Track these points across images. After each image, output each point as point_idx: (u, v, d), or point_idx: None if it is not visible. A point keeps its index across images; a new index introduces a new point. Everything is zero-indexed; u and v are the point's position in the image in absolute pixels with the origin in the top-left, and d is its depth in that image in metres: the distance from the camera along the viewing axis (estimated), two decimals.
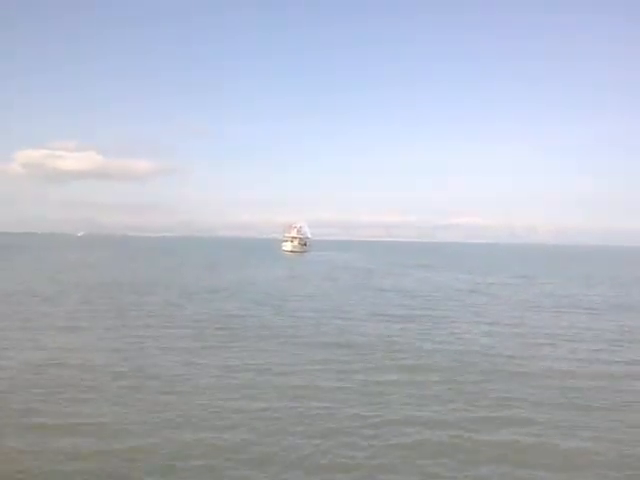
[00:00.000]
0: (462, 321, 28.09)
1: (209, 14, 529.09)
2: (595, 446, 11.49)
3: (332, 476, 10.01)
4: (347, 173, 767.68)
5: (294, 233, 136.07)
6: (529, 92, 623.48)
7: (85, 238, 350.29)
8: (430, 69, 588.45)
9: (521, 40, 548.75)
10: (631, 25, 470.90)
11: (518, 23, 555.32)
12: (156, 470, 10.13)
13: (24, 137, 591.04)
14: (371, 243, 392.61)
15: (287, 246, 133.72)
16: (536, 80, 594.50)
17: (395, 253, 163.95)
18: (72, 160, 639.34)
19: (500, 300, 38.35)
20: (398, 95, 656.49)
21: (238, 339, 22.27)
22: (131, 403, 13.83)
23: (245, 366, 17.79)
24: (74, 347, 20.17)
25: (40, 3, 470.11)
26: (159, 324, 25.40)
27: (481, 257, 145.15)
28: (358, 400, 14.32)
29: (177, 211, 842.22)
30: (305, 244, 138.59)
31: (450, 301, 36.64)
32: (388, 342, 22.17)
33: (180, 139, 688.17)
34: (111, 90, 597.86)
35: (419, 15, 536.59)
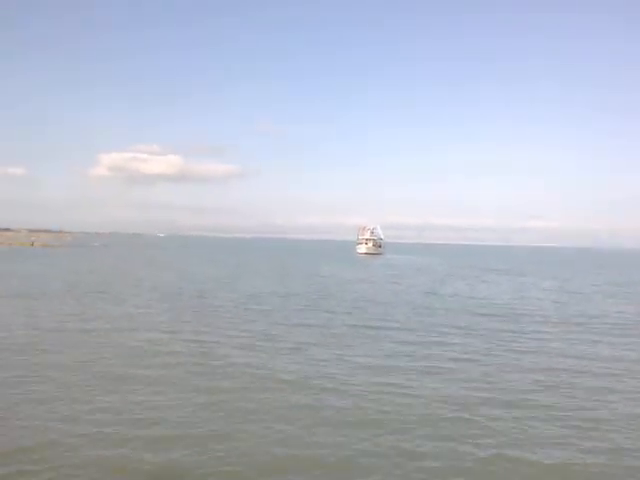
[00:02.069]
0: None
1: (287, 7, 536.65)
2: None
3: None
4: (418, 173, 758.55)
5: (368, 235, 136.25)
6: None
7: (166, 239, 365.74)
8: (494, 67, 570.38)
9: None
10: None
11: None
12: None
13: (109, 140, 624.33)
14: (445, 246, 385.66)
15: (361, 248, 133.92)
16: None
17: (471, 256, 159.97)
18: (154, 163, 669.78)
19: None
20: (465, 93, 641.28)
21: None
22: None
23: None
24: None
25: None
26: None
27: (568, 262, 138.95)
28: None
29: (250, 213, 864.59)
30: (380, 246, 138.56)
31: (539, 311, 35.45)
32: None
33: (256, 142, 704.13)
34: (192, 94, 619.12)
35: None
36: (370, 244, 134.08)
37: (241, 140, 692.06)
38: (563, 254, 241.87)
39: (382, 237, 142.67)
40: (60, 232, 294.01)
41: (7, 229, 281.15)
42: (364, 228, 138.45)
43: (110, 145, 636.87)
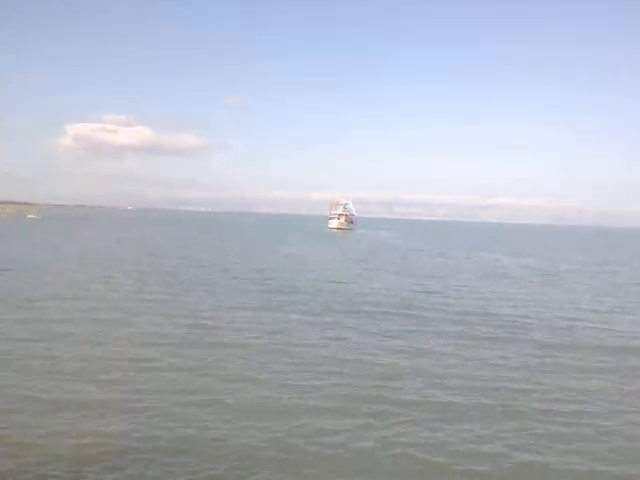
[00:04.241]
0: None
1: None
2: None
3: None
4: (386, 151, 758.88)
5: (340, 210, 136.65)
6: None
7: (133, 212, 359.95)
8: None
9: None
10: None
11: None
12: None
13: (75, 110, 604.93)
14: (412, 222, 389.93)
15: (334, 223, 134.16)
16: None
17: (440, 233, 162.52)
18: (123, 134, 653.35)
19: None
20: (444, 70, 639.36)
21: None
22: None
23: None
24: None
25: None
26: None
27: (535, 240, 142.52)
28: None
29: (217, 187, 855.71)
30: (352, 222, 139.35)
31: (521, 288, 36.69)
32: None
33: (226, 115, 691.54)
34: (160, 63, 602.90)
35: None
36: (342, 219, 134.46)
37: (211, 113, 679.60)
38: (535, 231, 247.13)
39: (354, 212, 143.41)
40: (28, 204, 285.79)
41: None
42: (337, 203, 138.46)
43: (77, 115, 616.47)
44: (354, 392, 13.01)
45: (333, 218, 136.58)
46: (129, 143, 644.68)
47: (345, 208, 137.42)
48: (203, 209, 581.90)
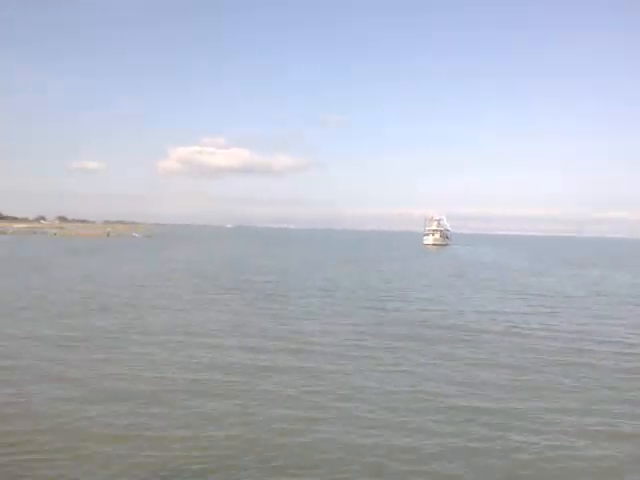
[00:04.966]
0: None
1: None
2: None
3: None
4: (484, 166, 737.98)
5: (434, 226, 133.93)
6: None
7: (233, 230, 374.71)
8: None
9: None
10: None
11: None
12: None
13: (179, 134, 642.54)
14: (511, 237, 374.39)
15: (428, 239, 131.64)
16: None
17: (541, 250, 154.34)
18: (221, 156, 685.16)
19: None
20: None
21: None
22: None
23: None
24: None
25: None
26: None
27: None
28: None
29: (311, 204, 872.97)
30: (447, 237, 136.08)
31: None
32: None
33: (320, 132, 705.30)
34: (254, 86, 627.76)
35: None
36: (437, 235, 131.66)
37: (305, 131, 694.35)
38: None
39: (449, 228, 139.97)
40: (133, 223, 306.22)
41: (84, 220, 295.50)
42: (431, 219, 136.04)
43: (178, 139, 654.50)
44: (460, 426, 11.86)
45: (428, 234, 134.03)
46: (227, 164, 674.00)
47: (439, 224, 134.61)
48: (297, 226, 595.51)
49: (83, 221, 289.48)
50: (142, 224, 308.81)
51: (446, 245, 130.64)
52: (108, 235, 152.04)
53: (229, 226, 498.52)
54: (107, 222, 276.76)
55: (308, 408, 12.39)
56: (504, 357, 17.58)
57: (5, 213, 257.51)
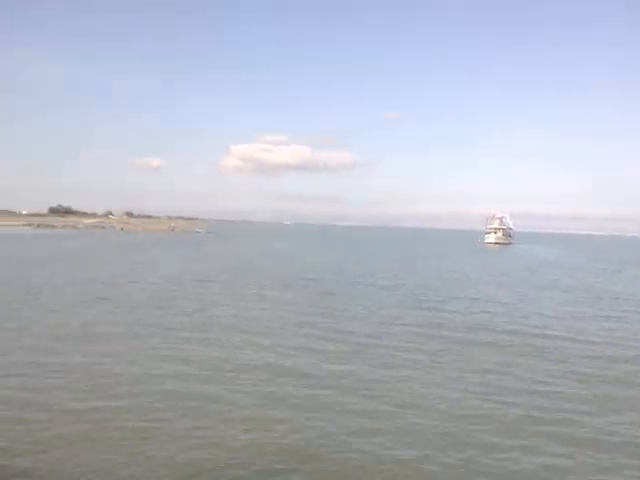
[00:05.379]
0: None
1: None
2: None
3: None
4: (547, 163, 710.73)
5: (497, 224, 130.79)
6: None
7: (292, 227, 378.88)
8: None
9: None
10: None
11: None
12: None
13: (241, 132, 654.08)
14: (577, 237, 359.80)
15: (490, 238, 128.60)
16: None
17: (611, 250, 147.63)
18: (281, 153, 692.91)
19: None
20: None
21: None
22: None
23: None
24: None
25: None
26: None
27: None
28: None
29: (371, 202, 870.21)
30: (509, 235, 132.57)
31: None
32: None
33: (383, 131, 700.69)
34: (316, 82, 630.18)
35: None
36: (499, 233, 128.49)
37: (369, 130, 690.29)
38: None
39: (512, 226, 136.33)
40: (195, 219, 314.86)
41: (149, 216, 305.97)
42: (493, 217, 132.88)
43: (240, 136, 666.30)
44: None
45: (489, 232, 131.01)
46: (287, 161, 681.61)
47: (502, 222, 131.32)
48: (356, 224, 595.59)
49: (148, 216, 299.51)
50: (204, 220, 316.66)
51: (509, 244, 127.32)
52: (173, 230, 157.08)
53: (288, 223, 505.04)
54: (170, 218, 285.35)
55: (363, 417, 12.15)
56: (575, 366, 16.97)
57: (75, 209, 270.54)
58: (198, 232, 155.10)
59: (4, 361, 15.46)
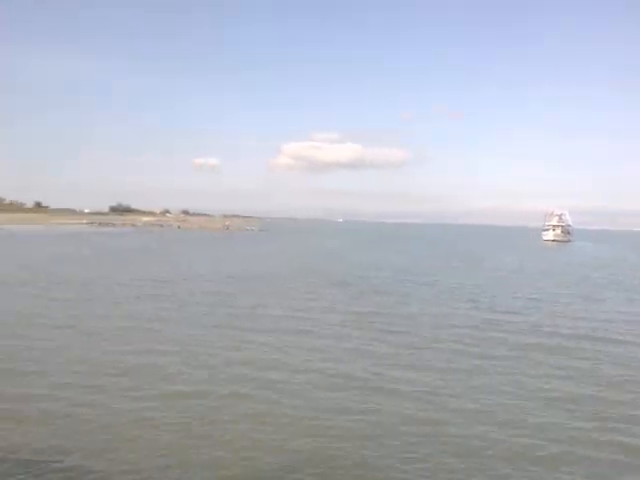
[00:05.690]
0: None
1: None
2: None
3: None
4: (610, 156, 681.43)
5: (555, 221, 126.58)
6: None
7: (344, 224, 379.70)
8: None
9: None
10: None
11: None
12: None
13: (292, 130, 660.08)
14: (634, 233, 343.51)
15: (548, 235, 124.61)
16: None
17: None
18: (333, 151, 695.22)
19: None
20: None
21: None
22: None
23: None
24: None
25: None
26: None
27: None
28: None
29: (422, 198, 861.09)
30: (568, 233, 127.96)
31: None
32: None
33: (432, 126, 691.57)
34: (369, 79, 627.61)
35: None
36: (558, 230, 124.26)
37: (417, 125, 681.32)
38: None
39: (571, 223, 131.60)
40: (250, 217, 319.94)
41: (205, 214, 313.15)
42: (551, 214, 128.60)
43: (291, 135, 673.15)
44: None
45: (547, 229, 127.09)
46: (339, 159, 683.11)
47: (561, 219, 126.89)
48: (408, 221, 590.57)
49: (203, 215, 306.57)
50: (256, 218, 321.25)
51: (568, 241, 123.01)
52: (227, 228, 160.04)
53: (340, 220, 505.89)
54: (225, 216, 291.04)
55: (425, 425, 11.88)
56: None
57: (134, 207, 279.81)
58: (251, 230, 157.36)
59: (61, 359, 16.07)
